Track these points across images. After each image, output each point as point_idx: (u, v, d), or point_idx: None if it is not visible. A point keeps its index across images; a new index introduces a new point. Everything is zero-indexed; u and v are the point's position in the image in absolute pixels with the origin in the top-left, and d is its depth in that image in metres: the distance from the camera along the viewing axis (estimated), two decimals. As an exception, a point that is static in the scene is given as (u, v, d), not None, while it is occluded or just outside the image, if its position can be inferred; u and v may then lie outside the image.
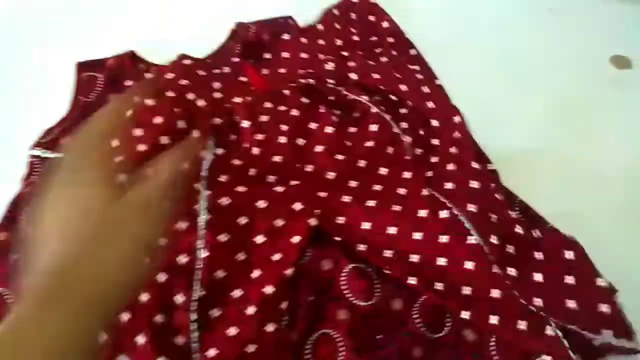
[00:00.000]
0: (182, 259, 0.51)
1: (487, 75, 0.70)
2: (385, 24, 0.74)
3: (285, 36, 0.70)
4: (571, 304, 0.48)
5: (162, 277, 0.51)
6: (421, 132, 0.61)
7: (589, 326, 0.47)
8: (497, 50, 0.73)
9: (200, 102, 0.61)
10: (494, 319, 0.48)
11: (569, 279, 0.50)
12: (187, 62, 0.66)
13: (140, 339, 0.48)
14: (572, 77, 0.70)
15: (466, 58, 0.71)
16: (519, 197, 0.57)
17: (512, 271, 0.50)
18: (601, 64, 0.72)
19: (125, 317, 0.49)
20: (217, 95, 0.63)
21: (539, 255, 0.51)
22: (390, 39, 0.72)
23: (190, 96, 0.61)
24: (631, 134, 0.65)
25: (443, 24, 0.76)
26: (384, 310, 0.50)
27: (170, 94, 0.62)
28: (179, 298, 0.50)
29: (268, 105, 0.62)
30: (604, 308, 0.48)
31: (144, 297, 0.50)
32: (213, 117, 0.61)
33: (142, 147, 0.54)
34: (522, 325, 0.47)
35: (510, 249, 0.51)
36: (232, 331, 0.48)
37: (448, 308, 0.49)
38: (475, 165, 0.54)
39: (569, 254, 0.51)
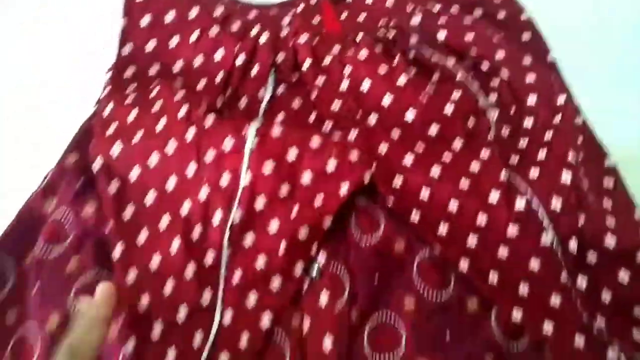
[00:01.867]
0: (225, 179, 0.48)
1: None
2: None
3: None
4: (637, 334, 0.41)
5: (204, 193, 0.48)
6: (513, 110, 0.52)
7: None
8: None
9: (263, 39, 0.56)
10: (548, 326, 0.42)
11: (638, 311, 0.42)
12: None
13: (175, 244, 0.46)
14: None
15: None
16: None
17: (583, 282, 0.43)
18: None
19: (163, 224, 0.47)
20: (284, 32, 0.57)
21: (623, 275, 0.42)
22: (497, 0, 0.62)
23: (254, 31, 0.56)
24: None
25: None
26: (457, 309, 0.45)
27: (234, 27, 0.57)
28: (217, 216, 0.47)
29: (335, 49, 0.55)
30: None
31: (185, 210, 0.48)
32: (276, 55, 0.55)
33: (201, 84, 0.54)
34: (579, 340, 0.41)
35: (592, 257, 0.42)
36: (262, 259, 0.46)
37: (497, 304, 0.43)
38: (571, 156, 0.45)
39: None
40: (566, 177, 0.44)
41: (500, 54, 0.53)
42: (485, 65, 0.54)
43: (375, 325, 0.45)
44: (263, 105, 0.54)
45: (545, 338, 0.42)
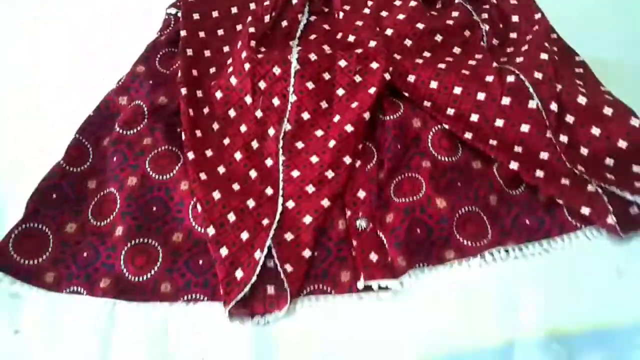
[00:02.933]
0: (276, 100, 0.60)
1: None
2: None
3: None
4: (610, 176, 0.52)
5: (259, 114, 0.59)
6: (500, 26, 0.65)
7: (628, 189, 0.50)
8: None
9: None
10: (539, 173, 0.53)
11: (609, 161, 0.54)
12: None
13: (237, 156, 0.57)
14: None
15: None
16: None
17: (564, 138, 0.54)
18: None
19: (226, 141, 0.58)
20: None
21: (594, 131, 0.53)
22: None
23: None
24: None
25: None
26: (464, 167, 0.56)
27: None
28: (271, 131, 0.58)
29: (358, -15, 0.69)
30: (638, 184, 0.52)
31: (243, 128, 0.59)
32: None
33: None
34: (565, 181, 0.51)
35: (570, 118, 0.54)
36: (314, 159, 0.56)
37: (497, 160, 0.54)
38: (547, 44, 0.57)
39: (623, 143, 0.54)
40: (544, 56, 0.57)
41: (488, -15, 0.67)
42: (477, -7, 0.67)
43: (400, 180, 0.56)
44: (300, 27, 0.67)
45: (537, 181, 0.53)
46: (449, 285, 0.50)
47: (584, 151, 0.55)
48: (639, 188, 0.52)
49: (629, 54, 0.67)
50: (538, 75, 0.56)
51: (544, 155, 0.54)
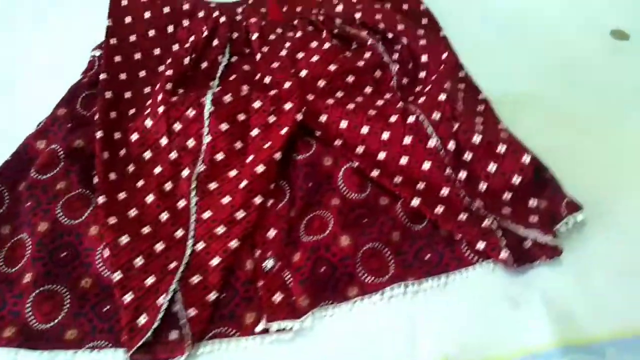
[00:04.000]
0: (191, 142, 0.61)
1: (492, 31, 0.77)
2: None
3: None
4: (506, 210, 0.55)
5: (173, 155, 0.60)
6: (410, 66, 0.68)
7: (521, 224, 0.52)
8: (503, 7, 0.80)
9: (222, 19, 0.71)
10: (439, 209, 0.55)
11: (507, 195, 0.57)
12: None
13: (149, 198, 0.58)
14: (574, 41, 0.76)
15: (474, 15, 0.79)
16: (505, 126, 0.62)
17: (463, 175, 0.56)
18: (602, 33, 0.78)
19: (139, 184, 0.59)
20: (239, 17, 0.73)
21: (491, 167, 0.56)
22: (404, -5, 0.80)
23: (215, 14, 0.71)
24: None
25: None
26: (372, 204, 0.58)
27: (200, 14, 0.73)
28: (185, 172, 0.60)
29: (279, 30, 0.71)
30: (533, 218, 0.55)
31: (157, 170, 0.60)
32: (232, 32, 0.70)
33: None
34: (462, 216, 0.54)
35: (469, 156, 0.56)
36: (226, 199, 0.57)
37: (401, 196, 0.56)
38: (447, 85, 0.60)
39: (517, 179, 0.57)
40: (442, 96, 0.60)
41: (400, 27, 0.70)
42: (390, 35, 0.70)
43: (310, 218, 0.57)
44: (220, 68, 0.69)
45: (437, 217, 0.55)
46: (351, 322, 0.52)
47: (483, 186, 0.57)
48: (533, 223, 0.54)
49: (536, 88, 0.71)
50: (436, 115, 0.58)
51: (445, 191, 0.57)
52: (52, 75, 0.71)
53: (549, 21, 0.79)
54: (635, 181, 0.62)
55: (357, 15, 0.73)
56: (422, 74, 0.67)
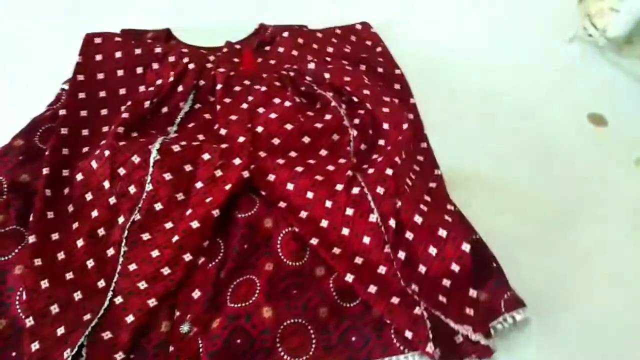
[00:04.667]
0: (133, 188, 0.60)
1: (468, 105, 0.76)
2: (378, 49, 0.82)
3: (285, 34, 0.79)
4: (442, 298, 0.51)
5: (112, 200, 0.59)
6: (370, 132, 0.66)
7: (453, 318, 0.49)
8: (479, 85, 0.79)
9: (192, 66, 0.71)
10: (372, 289, 0.53)
11: (446, 282, 0.54)
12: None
13: (80, 242, 0.57)
14: (551, 126, 0.74)
15: (452, 87, 0.78)
16: (456, 207, 0.61)
17: (402, 255, 0.54)
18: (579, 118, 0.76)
19: (75, 226, 0.58)
20: (209, 65, 0.73)
21: (432, 250, 0.54)
22: (380, 59, 0.80)
23: (185, 60, 0.72)
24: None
25: (432, 53, 0.83)
26: (307, 273, 0.56)
27: (171, 58, 0.73)
28: (121, 219, 0.58)
29: (246, 82, 0.71)
30: (469, 311, 0.52)
31: (94, 213, 0.59)
32: (199, 80, 0.70)
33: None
34: (395, 300, 0.51)
35: (410, 235, 0.54)
36: (155, 253, 0.56)
37: (336, 270, 0.54)
38: (397, 159, 0.59)
39: (456, 267, 0.54)
40: (389, 171, 0.58)
41: (366, 91, 0.69)
42: (355, 99, 0.69)
43: (238, 283, 0.55)
44: (181, 114, 0.69)
45: (369, 296, 0.53)
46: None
47: (422, 269, 0.55)
48: (467, 316, 0.51)
49: (502, 169, 0.69)
50: (380, 190, 0.57)
51: (382, 270, 0.54)
52: (20, 105, 0.71)
53: (526, 102, 0.77)
54: (589, 284, 0.58)
55: (327, 75, 0.72)
56: (382, 142, 0.66)
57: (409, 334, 0.50)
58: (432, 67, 0.80)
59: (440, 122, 0.72)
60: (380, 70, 0.77)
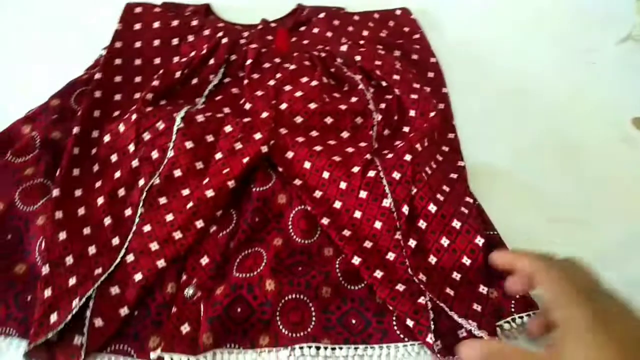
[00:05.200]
0: (155, 154, 0.61)
1: (500, 102, 0.73)
2: (416, 36, 0.80)
3: (321, 15, 0.79)
4: (450, 291, 0.50)
5: (135, 163, 0.61)
6: (395, 118, 0.65)
7: (458, 312, 0.47)
8: (515, 78, 0.76)
9: (225, 40, 0.72)
10: (378, 274, 0.52)
11: (456, 275, 0.52)
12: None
13: (100, 200, 0.59)
14: (588, 127, 0.70)
15: (488, 79, 0.75)
16: (476, 200, 0.58)
17: (412, 243, 0.52)
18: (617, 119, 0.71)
19: (97, 184, 0.60)
20: (242, 41, 0.73)
21: (444, 241, 0.52)
22: (416, 46, 0.78)
23: (220, 34, 0.72)
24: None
25: (471, 42, 0.81)
26: (315, 252, 0.56)
27: (206, 32, 0.75)
28: (141, 181, 0.60)
29: (276, 60, 0.71)
30: (477, 307, 0.50)
31: (117, 174, 0.60)
32: (230, 54, 0.71)
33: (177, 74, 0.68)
34: (400, 287, 0.50)
35: (423, 224, 0.53)
36: (169, 217, 0.57)
37: (344, 251, 0.54)
38: (418, 145, 0.57)
39: (467, 260, 0.53)
40: (407, 157, 0.56)
41: (396, 77, 0.67)
42: (384, 83, 0.68)
43: (247, 254, 0.56)
44: (209, 87, 0.70)
45: (374, 281, 0.52)
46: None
47: (433, 259, 0.53)
48: (473, 311, 0.50)
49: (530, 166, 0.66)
50: (397, 175, 0.55)
51: (390, 256, 0.53)
52: (62, 67, 0.74)
53: (563, 99, 0.73)
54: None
55: (358, 58, 0.71)
56: (406, 129, 0.64)
57: (410, 323, 0.49)
58: (470, 56, 0.77)
59: (470, 113, 0.69)
60: (414, 57, 0.75)
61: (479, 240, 0.52)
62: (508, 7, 0.87)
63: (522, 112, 0.71)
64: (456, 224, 0.53)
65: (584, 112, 0.72)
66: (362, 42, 0.75)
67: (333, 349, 0.50)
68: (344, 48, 0.73)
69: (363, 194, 0.56)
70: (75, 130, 0.63)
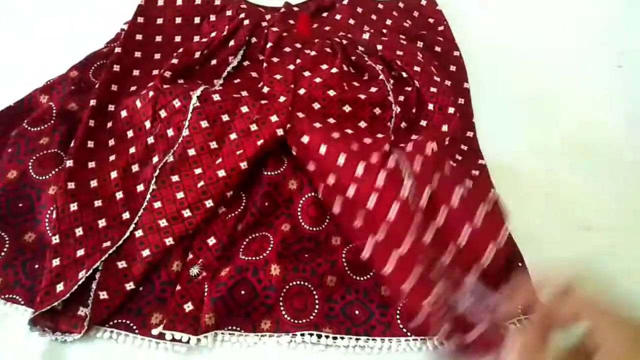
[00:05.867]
0: (171, 131, 0.61)
1: (523, 100, 0.71)
2: (440, 27, 0.78)
3: (345, 1, 0.78)
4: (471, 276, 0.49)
5: (150, 140, 0.60)
6: (414, 111, 0.64)
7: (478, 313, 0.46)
8: (539, 77, 0.74)
9: (246, 22, 0.71)
10: (390, 266, 0.50)
11: (476, 271, 0.50)
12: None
13: (113, 174, 0.59)
14: (615, 132, 0.68)
15: (510, 76, 0.73)
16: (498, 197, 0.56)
17: (428, 237, 0.51)
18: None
19: (111, 158, 0.60)
20: (264, 23, 0.72)
21: (461, 239, 0.51)
22: (440, 38, 0.76)
23: (242, 16, 0.72)
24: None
25: (497, 38, 0.79)
26: (323, 240, 0.55)
27: (228, 12, 0.74)
28: (155, 158, 0.60)
29: (297, 45, 0.70)
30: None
31: (132, 150, 0.61)
32: (251, 36, 0.70)
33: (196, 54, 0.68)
34: (407, 285, 0.49)
35: (442, 216, 0.51)
36: (180, 194, 0.57)
37: (354, 242, 0.53)
38: (439, 134, 0.56)
39: (486, 260, 0.50)
40: (431, 146, 0.55)
41: (417, 68, 0.66)
42: (404, 74, 0.66)
43: (254, 238, 0.56)
44: (228, 68, 0.69)
45: (384, 275, 0.50)
46: (253, 356, 0.49)
47: (451, 251, 0.51)
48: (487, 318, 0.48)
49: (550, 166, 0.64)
50: (417, 166, 0.53)
51: (404, 248, 0.52)
52: (82, 39, 0.74)
53: (590, 102, 0.71)
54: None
55: (379, 47, 0.70)
56: (423, 123, 0.63)
57: (419, 319, 0.48)
58: (495, 52, 0.76)
59: (491, 110, 0.68)
60: (437, 49, 0.73)
61: (499, 242, 0.50)
62: (535, 6, 0.85)
63: (545, 113, 0.69)
64: (478, 220, 0.51)
65: (611, 113, 0.70)
66: (384, 31, 0.73)
67: (334, 338, 0.49)
68: (366, 36, 0.72)
69: (380, 182, 0.54)
70: (92, 102, 0.63)
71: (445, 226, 0.52)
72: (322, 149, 0.58)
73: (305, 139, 0.60)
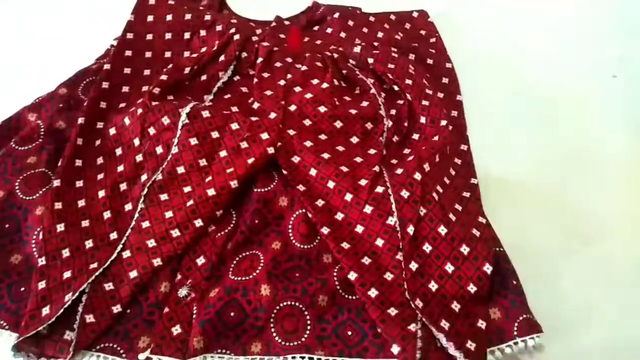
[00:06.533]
0: (160, 149, 0.60)
1: (516, 112, 0.71)
2: (432, 39, 0.78)
3: (336, 15, 0.77)
4: (444, 324, 0.48)
5: (139, 158, 0.59)
6: (405, 124, 0.63)
7: (455, 343, 0.46)
8: (533, 87, 0.73)
9: (237, 37, 0.71)
10: (373, 293, 0.49)
11: (456, 306, 0.50)
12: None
13: (101, 193, 0.58)
14: (609, 141, 0.68)
15: (505, 87, 0.73)
16: (485, 218, 0.56)
17: (414, 266, 0.51)
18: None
19: (99, 176, 0.59)
20: (254, 38, 0.72)
21: (448, 267, 0.50)
22: (432, 50, 0.75)
23: (232, 30, 0.71)
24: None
25: (489, 49, 0.78)
26: (314, 259, 0.54)
27: (218, 27, 0.73)
28: (144, 176, 0.59)
29: (288, 59, 0.69)
30: (470, 345, 0.48)
31: (120, 168, 0.59)
32: (242, 51, 0.70)
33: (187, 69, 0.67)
34: (392, 311, 0.48)
35: (428, 248, 0.51)
36: (168, 214, 0.56)
37: (341, 264, 0.52)
38: (426, 165, 0.56)
39: (473, 287, 0.50)
40: (418, 176, 0.54)
41: (409, 81, 0.65)
42: (396, 87, 0.66)
43: (243, 257, 0.55)
44: (219, 84, 0.68)
45: (368, 300, 0.49)
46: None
47: (434, 286, 0.51)
48: (466, 349, 0.47)
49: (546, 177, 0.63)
50: (405, 193, 0.54)
51: (389, 276, 0.51)
52: (72, 56, 0.74)
53: (585, 111, 0.71)
54: (621, 311, 0.52)
55: (371, 60, 0.69)
56: (415, 136, 0.62)
57: (395, 349, 0.47)
58: (488, 64, 0.75)
59: (486, 121, 0.67)
60: (429, 61, 0.73)
61: (487, 268, 0.50)
62: (527, 16, 0.84)
63: (538, 123, 0.69)
64: (464, 249, 0.51)
65: (606, 123, 0.69)
66: (376, 44, 0.73)
67: (326, 361, 0.48)
68: (357, 50, 0.71)
69: (368, 209, 0.54)
70: (80, 120, 0.62)
71: (432, 254, 0.52)
72: (313, 172, 0.58)
73: (296, 159, 0.59)
